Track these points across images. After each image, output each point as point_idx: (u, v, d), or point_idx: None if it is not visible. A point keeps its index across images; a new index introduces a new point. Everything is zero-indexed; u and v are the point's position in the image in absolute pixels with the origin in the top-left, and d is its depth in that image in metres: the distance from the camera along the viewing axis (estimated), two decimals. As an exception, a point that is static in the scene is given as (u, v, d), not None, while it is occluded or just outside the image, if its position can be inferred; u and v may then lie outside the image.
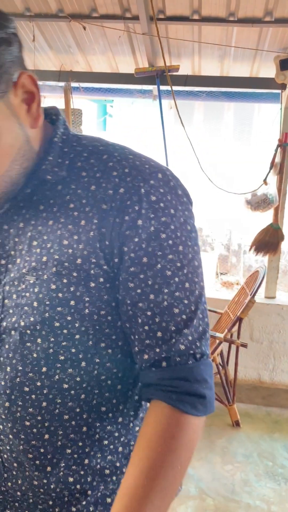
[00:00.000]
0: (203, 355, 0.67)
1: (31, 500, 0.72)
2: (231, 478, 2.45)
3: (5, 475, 0.72)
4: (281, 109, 3.25)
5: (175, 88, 3.14)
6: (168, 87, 3.14)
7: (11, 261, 0.68)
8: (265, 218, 3.34)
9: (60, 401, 0.68)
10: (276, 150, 3.21)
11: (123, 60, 3.40)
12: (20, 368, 0.67)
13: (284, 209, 3.35)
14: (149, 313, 0.64)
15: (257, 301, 2.95)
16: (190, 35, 3.12)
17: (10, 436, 0.70)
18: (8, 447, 0.71)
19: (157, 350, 0.65)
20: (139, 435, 0.65)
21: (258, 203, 3.17)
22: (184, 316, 0.65)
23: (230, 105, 3.91)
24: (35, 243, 0.66)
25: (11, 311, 0.67)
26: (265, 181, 3.21)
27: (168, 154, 3.26)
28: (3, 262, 0.68)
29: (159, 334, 0.65)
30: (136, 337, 0.66)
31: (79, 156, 0.69)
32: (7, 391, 0.68)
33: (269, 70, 3.19)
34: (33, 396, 0.68)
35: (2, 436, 0.71)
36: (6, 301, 0.67)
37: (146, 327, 0.65)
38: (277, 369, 3.46)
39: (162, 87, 3.23)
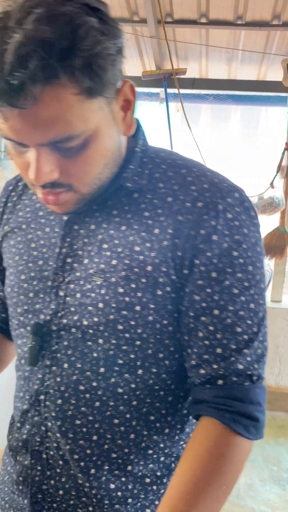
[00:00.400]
0: (259, 378, 0.67)
1: (71, 502, 0.70)
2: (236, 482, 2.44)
3: (48, 472, 0.71)
4: (288, 112, 3.24)
5: (182, 91, 3.14)
6: (175, 90, 3.14)
7: (77, 260, 0.69)
8: (272, 221, 3.33)
9: (112, 404, 0.68)
10: (283, 154, 3.20)
11: (130, 63, 3.41)
12: (79, 366, 0.67)
13: (290, 213, 3.34)
14: (211, 328, 0.64)
15: (263, 304, 2.93)
16: (197, 38, 3.12)
17: (58, 435, 0.69)
18: (55, 445, 0.70)
19: (215, 366, 0.65)
20: (186, 449, 0.64)
21: (265, 206, 3.16)
22: (245, 336, 0.65)
23: (237, 108, 3.89)
24: (105, 246, 0.67)
25: (73, 309, 0.67)
26: (272, 185, 3.20)
27: (175, 156, 3.25)
28: (69, 260, 0.69)
29: (218, 350, 0.64)
30: (195, 350, 0.66)
31: (158, 168, 0.70)
32: (62, 388, 0.68)
33: (276, 73, 3.19)
34: (87, 396, 0.67)
35: (49, 433, 0.70)
36: (68, 298, 0.68)
37: (206, 342, 0.65)
38: (282, 373, 3.44)
39: (169, 90, 3.24)
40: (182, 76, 3.20)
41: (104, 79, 0.57)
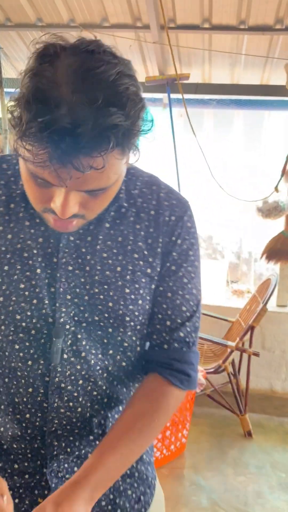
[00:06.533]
0: (194, 345, 0.87)
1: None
2: (243, 490, 2.41)
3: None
4: (292, 116, 3.24)
5: (185, 96, 3.14)
6: (178, 95, 3.14)
7: (78, 267, 0.79)
8: (277, 225, 3.31)
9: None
10: (287, 158, 3.19)
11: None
12: (95, 352, 0.82)
13: (295, 217, 3.32)
14: (164, 306, 0.84)
15: (269, 309, 2.91)
16: (200, 43, 3.13)
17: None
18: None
19: (164, 334, 0.85)
20: (132, 396, 0.85)
21: (270, 210, 3.15)
22: (188, 313, 0.85)
23: (240, 112, 3.89)
24: (105, 255, 0.79)
25: (82, 308, 0.78)
26: (276, 189, 3.19)
27: (179, 161, 3.25)
28: (70, 268, 0.78)
29: (168, 323, 0.84)
30: (151, 322, 0.85)
31: (134, 184, 0.84)
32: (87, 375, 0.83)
33: (280, 78, 3.19)
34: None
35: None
36: (76, 300, 0.78)
37: (160, 316, 0.84)
38: (289, 379, 3.41)
39: (173, 95, 3.24)
40: (185, 81, 3.20)
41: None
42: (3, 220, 0.79)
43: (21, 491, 0.84)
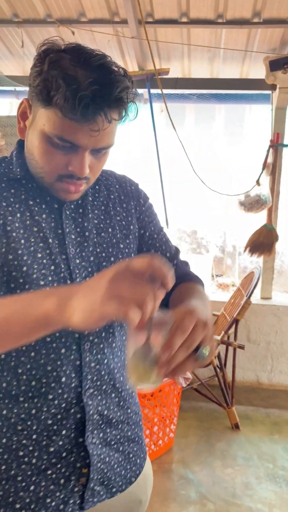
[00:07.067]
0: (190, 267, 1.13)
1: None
2: (231, 482, 2.43)
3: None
4: (272, 109, 3.25)
5: (165, 91, 3.13)
6: (158, 91, 3.13)
7: (79, 235, 0.94)
8: (259, 219, 3.33)
9: None
10: (268, 151, 3.21)
11: (112, 64, 3.39)
12: None
13: (277, 210, 3.34)
14: (157, 244, 1.07)
15: (253, 302, 2.93)
16: (179, 37, 3.11)
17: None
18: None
19: (170, 262, 1.06)
20: (174, 293, 0.99)
21: (252, 204, 3.16)
22: (173, 247, 1.10)
23: (221, 106, 3.89)
24: (96, 221, 0.97)
25: (90, 269, 0.93)
26: (258, 182, 3.21)
27: (160, 156, 3.24)
28: (73, 236, 0.93)
29: (168, 254, 1.08)
30: None
31: None
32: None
33: (259, 71, 3.19)
34: None
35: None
36: (83, 263, 0.92)
37: (159, 252, 1.06)
38: (275, 370, 3.45)
39: (153, 91, 3.23)
40: (165, 76, 3.19)
41: None
42: (9, 202, 0.90)
43: (63, 470, 0.90)
